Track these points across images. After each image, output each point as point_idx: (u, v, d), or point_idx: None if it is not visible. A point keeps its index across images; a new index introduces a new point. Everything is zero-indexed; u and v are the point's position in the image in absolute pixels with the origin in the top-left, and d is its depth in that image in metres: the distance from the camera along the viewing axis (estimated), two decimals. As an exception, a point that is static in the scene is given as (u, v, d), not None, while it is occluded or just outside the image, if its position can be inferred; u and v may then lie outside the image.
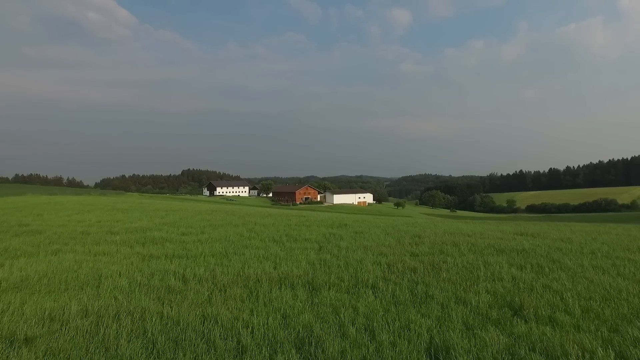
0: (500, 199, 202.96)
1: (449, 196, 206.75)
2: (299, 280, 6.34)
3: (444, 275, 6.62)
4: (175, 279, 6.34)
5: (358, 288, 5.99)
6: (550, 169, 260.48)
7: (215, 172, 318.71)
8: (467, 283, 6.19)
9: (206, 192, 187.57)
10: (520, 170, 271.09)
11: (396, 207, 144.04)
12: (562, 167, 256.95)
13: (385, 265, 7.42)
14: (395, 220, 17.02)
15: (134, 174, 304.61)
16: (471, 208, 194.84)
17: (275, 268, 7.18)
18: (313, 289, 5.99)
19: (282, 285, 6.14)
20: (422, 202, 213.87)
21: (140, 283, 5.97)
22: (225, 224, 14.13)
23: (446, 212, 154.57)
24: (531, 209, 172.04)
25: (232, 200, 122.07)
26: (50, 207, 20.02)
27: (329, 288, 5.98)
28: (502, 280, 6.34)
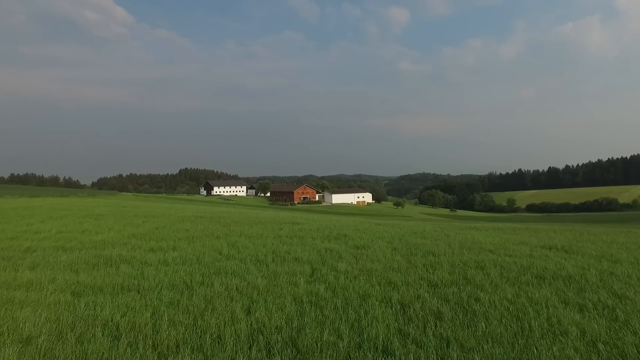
0: (500, 198, 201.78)
1: (448, 195, 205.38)
2: (279, 337, 4.44)
3: (483, 327, 4.72)
4: (102, 335, 4.43)
5: (364, 352, 4.10)
6: (550, 167, 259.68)
7: (213, 171, 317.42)
8: (521, 342, 4.30)
9: (203, 192, 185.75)
10: (520, 169, 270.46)
11: (396, 207, 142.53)
12: (561, 166, 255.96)
13: (399, 306, 5.53)
14: (401, 229, 15.14)
15: (131, 173, 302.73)
16: (471, 207, 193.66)
17: (248, 312, 5.28)
18: (298, 353, 4.11)
19: (253, 346, 4.24)
20: (422, 201, 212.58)
21: (40, 349, 4.04)
22: (205, 235, 12.21)
23: (446, 211, 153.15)
24: (531, 208, 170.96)
25: (229, 200, 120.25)
26: (16, 213, 18.06)
27: (321, 353, 4.09)
28: (567, 336, 4.45)
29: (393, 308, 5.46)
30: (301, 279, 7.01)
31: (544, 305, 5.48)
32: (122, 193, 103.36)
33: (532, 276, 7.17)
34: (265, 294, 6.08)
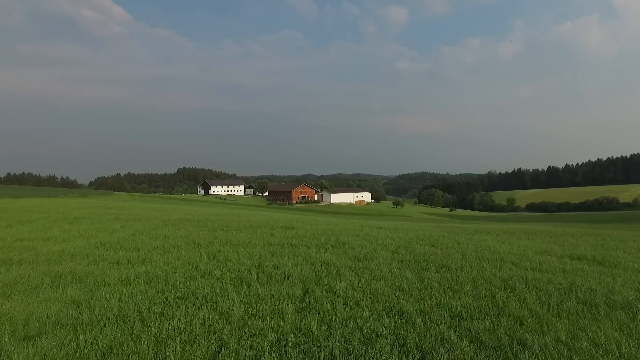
0: (500, 197, 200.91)
1: (447, 194, 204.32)
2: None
3: (546, 395, 3.27)
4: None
5: None
6: (549, 166, 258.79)
7: (211, 170, 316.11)
8: None
9: (201, 191, 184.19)
10: (519, 168, 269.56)
11: (395, 206, 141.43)
12: (560, 165, 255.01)
13: (418, 354, 4.07)
14: (405, 234, 13.68)
15: (129, 173, 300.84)
16: (470, 207, 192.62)
17: (211, 365, 3.82)
18: None
19: None
20: (421, 200, 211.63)
21: None
22: (185, 243, 10.74)
23: (446, 211, 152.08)
24: (531, 207, 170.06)
25: (227, 199, 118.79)
26: (-16, 216, 16.52)
27: None
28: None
29: (410, 357, 4.00)
30: (289, 305, 5.55)
31: (617, 354, 4.03)
32: (117, 193, 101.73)
33: (578, 302, 5.72)
34: (240, 331, 4.62)
